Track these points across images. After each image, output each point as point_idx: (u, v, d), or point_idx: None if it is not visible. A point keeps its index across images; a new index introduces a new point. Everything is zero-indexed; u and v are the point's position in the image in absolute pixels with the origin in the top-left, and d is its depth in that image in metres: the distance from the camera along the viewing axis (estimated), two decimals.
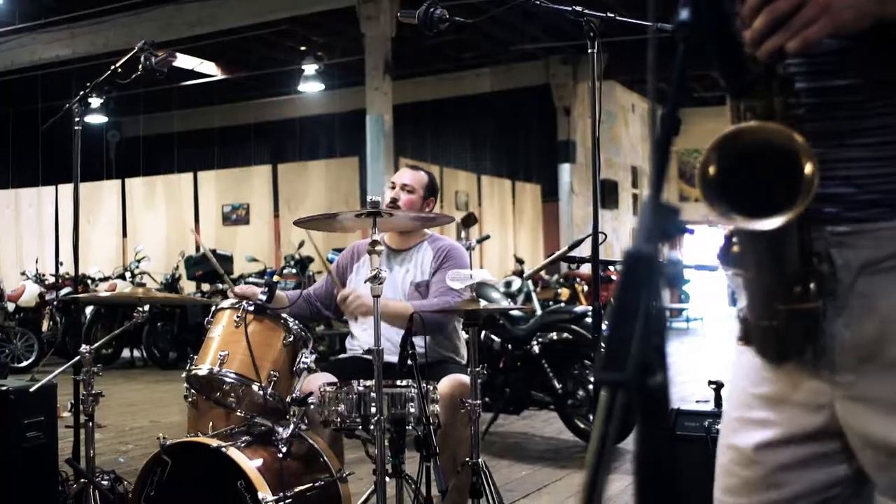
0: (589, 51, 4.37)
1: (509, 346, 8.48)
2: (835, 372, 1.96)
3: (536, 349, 8.25)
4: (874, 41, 1.82)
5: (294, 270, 15.76)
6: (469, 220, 4.91)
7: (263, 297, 4.84)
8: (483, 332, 8.44)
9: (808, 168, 1.61)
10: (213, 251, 16.92)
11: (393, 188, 5.62)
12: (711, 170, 1.65)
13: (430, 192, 5.66)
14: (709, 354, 18.31)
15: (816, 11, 1.68)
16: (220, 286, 15.87)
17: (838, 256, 1.89)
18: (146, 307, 5.16)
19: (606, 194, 24.30)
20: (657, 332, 1.09)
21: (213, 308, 4.90)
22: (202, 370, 4.58)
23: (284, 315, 4.75)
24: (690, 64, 1.46)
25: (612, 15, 4.42)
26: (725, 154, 1.66)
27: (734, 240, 1.83)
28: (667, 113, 1.21)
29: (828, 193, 1.83)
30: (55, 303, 14.85)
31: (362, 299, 4.98)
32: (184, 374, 4.73)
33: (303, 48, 22.48)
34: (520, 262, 18.81)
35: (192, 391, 4.89)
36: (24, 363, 14.84)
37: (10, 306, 15.48)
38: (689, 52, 1.31)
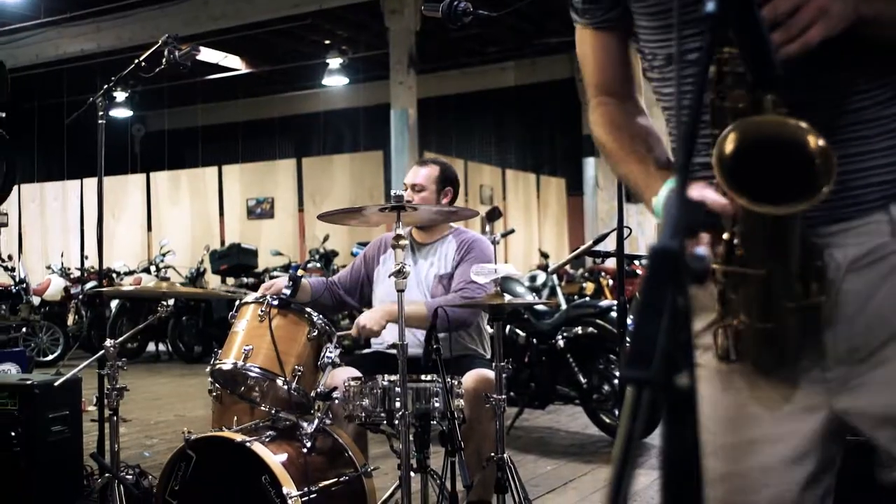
0: None
1: (534, 340, 8.45)
2: (826, 370, 1.99)
3: (561, 343, 8.22)
4: (847, 43, 1.84)
5: (319, 264, 15.78)
6: (493, 214, 4.91)
7: (288, 292, 4.84)
8: (508, 327, 8.44)
9: (825, 161, 1.64)
10: (238, 245, 16.99)
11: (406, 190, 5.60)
12: (728, 153, 1.66)
13: (445, 183, 5.59)
14: None
15: (814, 14, 1.72)
16: (244, 279, 15.88)
17: (827, 256, 1.93)
18: (171, 301, 5.18)
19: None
20: (683, 329, 1.07)
21: (237, 302, 4.91)
22: (227, 364, 4.59)
23: (308, 309, 4.75)
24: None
25: None
26: (742, 143, 1.67)
27: (735, 241, 1.81)
28: (692, 104, 1.19)
29: None
30: (80, 297, 14.88)
31: (365, 325, 5.02)
32: (208, 369, 4.74)
33: (327, 42, 22.49)
34: (544, 256, 18.79)
35: (217, 385, 4.89)
36: (50, 357, 14.87)
37: (36, 300, 15.50)
38: (716, 43, 1.30)
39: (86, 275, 14.43)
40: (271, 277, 13.66)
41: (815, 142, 1.65)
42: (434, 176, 5.55)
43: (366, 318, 5.09)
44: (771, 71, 1.59)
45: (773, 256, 1.80)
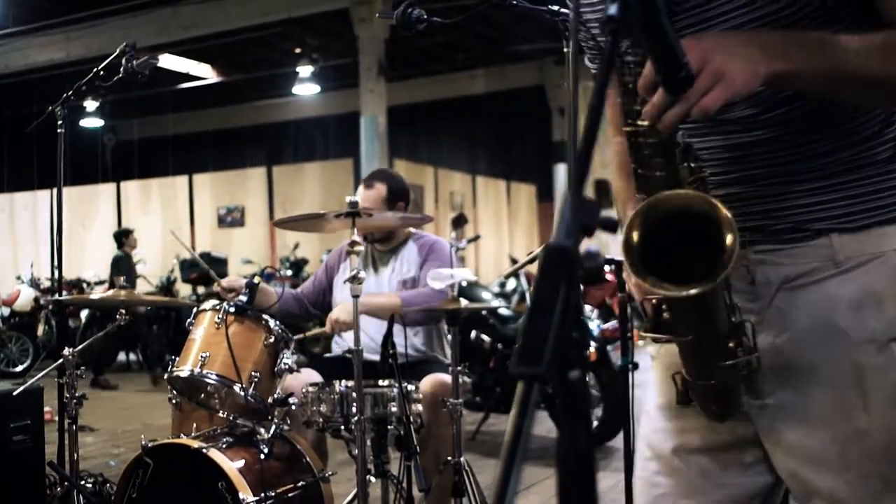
0: (564, 50, 4.36)
1: (500, 345, 8.48)
2: (757, 396, 2.00)
3: None
4: (776, 98, 1.89)
5: (289, 272, 15.76)
6: (460, 221, 4.93)
7: (244, 299, 4.86)
8: (474, 332, 8.47)
9: (730, 239, 1.65)
10: (207, 254, 16.96)
11: None
12: (635, 238, 1.70)
13: (396, 197, 5.55)
14: None
15: (710, 80, 1.67)
16: (215, 289, 15.82)
17: (759, 273, 1.96)
18: (142, 309, 5.18)
19: (601, 195, 24.29)
20: (575, 326, 1.09)
21: (194, 310, 4.92)
22: (184, 372, 4.59)
23: (265, 316, 4.75)
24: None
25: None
26: (648, 222, 1.71)
27: (663, 307, 1.85)
28: (592, 106, 1.21)
29: (747, 227, 1.90)
30: (49, 307, 14.84)
31: (338, 318, 5.04)
32: (166, 376, 4.75)
33: (297, 50, 22.42)
34: (514, 262, 18.83)
35: (176, 393, 4.90)
36: (20, 368, 14.82)
37: (6, 311, 15.48)
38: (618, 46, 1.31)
39: (55, 285, 14.44)
40: None
41: (725, 221, 1.67)
42: (382, 196, 5.53)
43: (339, 312, 5.11)
44: (678, 73, 1.61)
45: (699, 321, 1.83)
